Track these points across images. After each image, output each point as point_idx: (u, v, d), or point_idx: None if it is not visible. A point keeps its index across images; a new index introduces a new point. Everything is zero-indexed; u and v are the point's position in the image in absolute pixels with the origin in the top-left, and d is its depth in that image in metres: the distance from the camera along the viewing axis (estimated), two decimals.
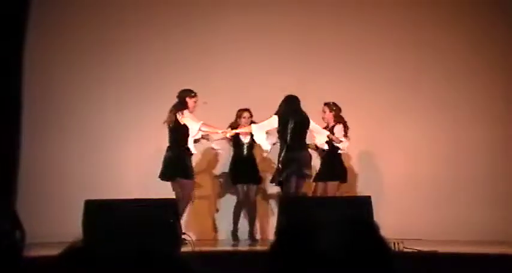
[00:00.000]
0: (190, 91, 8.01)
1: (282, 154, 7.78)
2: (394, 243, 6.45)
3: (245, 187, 8.57)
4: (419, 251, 6.63)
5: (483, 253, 6.76)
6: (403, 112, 9.30)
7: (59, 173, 9.01)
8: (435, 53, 9.40)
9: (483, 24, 9.40)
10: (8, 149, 8.54)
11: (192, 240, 7.36)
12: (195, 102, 8.00)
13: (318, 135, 8.16)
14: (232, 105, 8.74)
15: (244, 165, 8.55)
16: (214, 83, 9.08)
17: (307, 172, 7.88)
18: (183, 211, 7.84)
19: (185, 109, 7.90)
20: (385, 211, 7.66)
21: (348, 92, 9.27)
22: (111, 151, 9.17)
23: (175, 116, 7.87)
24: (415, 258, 6.28)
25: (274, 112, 7.98)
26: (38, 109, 9.03)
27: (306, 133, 7.99)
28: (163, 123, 7.98)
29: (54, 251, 1.59)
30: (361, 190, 8.85)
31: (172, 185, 7.92)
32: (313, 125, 8.05)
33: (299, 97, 8.01)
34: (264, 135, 7.96)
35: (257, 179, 8.63)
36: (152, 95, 9.17)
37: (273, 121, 7.88)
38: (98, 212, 6.31)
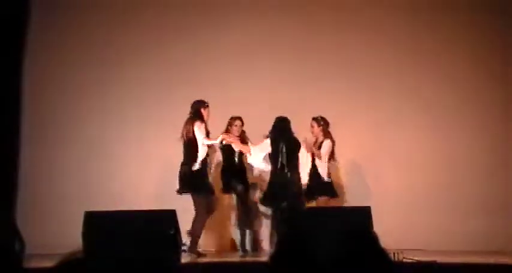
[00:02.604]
0: (204, 102, 8.00)
1: (273, 177, 7.92)
2: (394, 254, 6.45)
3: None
4: (419, 261, 6.62)
5: (482, 263, 6.75)
6: (400, 122, 9.30)
7: (59, 183, 8.99)
8: (432, 62, 9.40)
9: (481, 32, 9.41)
10: (7, 157, 8.52)
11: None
12: (208, 112, 7.99)
13: (303, 165, 8.18)
14: (229, 114, 8.73)
15: (236, 174, 8.53)
16: (213, 89, 9.06)
17: (296, 198, 7.92)
18: (200, 226, 7.83)
19: (202, 121, 7.87)
20: (384, 222, 7.65)
21: (343, 102, 9.28)
22: (112, 161, 9.14)
23: (192, 128, 7.84)
24: (414, 268, 6.28)
25: (266, 135, 8.03)
26: (38, 116, 9.01)
27: (297, 155, 8.05)
28: (181, 137, 7.91)
29: (54, 262, 1.60)
30: (360, 200, 8.84)
31: (193, 198, 7.86)
32: (302, 151, 8.10)
33: (289, 118, 8.05)
34: (260, 158, 8.03)
35: (248, 187, 8.64)
36: (154, 98, 9.17)
37: (266, 145, 7.96)
38: (97, 223, 6.30)
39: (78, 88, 9.21)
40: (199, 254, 7.71)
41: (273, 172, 7.96)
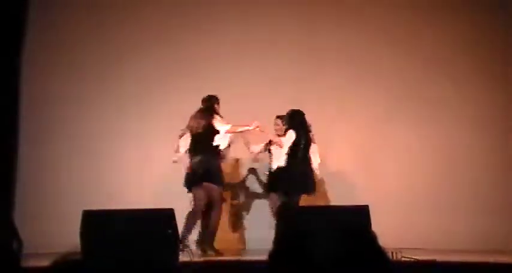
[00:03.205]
0: (216, 97, 7.89)
1: (290, 169, 7.90)
2: (392, 253, 6.44)
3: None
4: (418, 260, 6.62)
5: (482, 262, 6.75)
6: (400, 120, 9.30)
7: (57, 182, 8.97)
8: (432, 61, 9.40)
9: (481, 32, 9.42)
10: (5, 157, 8.51)
11: (190, 250, 7.35)
12: (219, 108, 7.91)
13: (313, 156, 8.19)
14: (231, 115, 8.73)
15: None
16: (213, 86, 9.03)
17: (310, 186, 7.97)
18: (217, 220, 7.81)
19: (217, 114, 7.77)
20: (383, 220, 7.64)
21: (343, 99, 9.28)
22: (111, 159, 9.13)
23: (207, 122, 7.69)
24: (413, 268, 6.27)
25: (286, 127, 8.02)
26: (36, 115, 8.99)
27: (309, 148, 8.07)
28: (187, 128, 7.80)
29: (51, 262, 1.58)
30: (359, 199, 8.83)
31: (194, 192, 7.77)
32: (314, 146, 8.12)
33: (301, 109, 8.07)
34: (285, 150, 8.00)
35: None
36: (154, 96, 9.17)
37: (291, 137, 7.96)
38: (96, 222, 6.29)
39: (76, 86, 9.18)
40: (217, 252, 7.73)
41: (293, 164, 7.92)
